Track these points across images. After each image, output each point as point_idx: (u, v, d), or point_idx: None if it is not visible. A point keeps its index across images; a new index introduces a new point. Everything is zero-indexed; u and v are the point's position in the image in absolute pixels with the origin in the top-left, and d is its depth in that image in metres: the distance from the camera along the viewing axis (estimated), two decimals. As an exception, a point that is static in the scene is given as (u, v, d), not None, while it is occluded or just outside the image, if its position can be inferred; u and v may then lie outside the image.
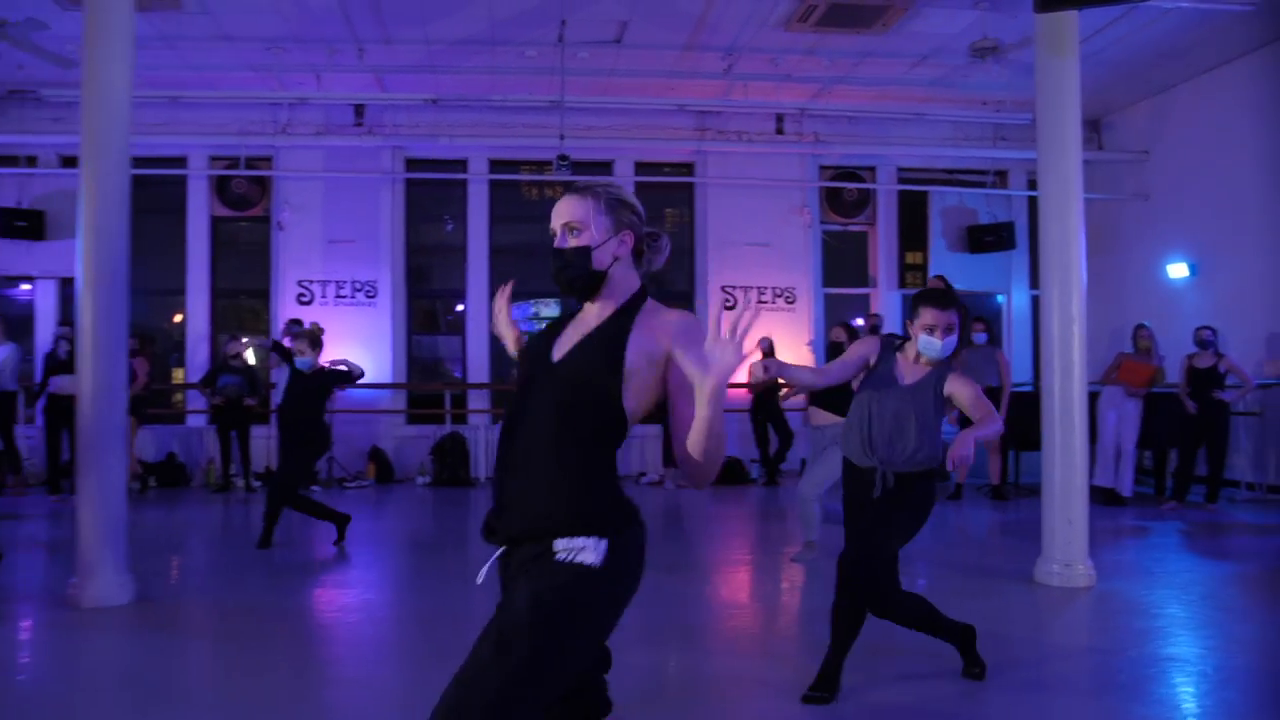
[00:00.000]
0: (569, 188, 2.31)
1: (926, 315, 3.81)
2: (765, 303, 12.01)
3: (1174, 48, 9.94)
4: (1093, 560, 5.78)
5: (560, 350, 2.21)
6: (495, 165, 11.89)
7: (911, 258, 12.55)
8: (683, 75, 10.76)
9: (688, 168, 12.18)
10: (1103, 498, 9.23)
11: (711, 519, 9.09)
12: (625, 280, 2.26)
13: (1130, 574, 6.21)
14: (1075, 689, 3.96)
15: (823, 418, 6.24)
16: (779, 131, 12.01)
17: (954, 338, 3.81)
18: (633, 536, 2.10)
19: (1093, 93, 10.94)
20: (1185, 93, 11.07)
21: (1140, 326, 9.75)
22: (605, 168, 11.83)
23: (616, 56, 10.27)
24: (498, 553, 2.14)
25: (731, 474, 11.29)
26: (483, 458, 11.28)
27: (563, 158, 10.04)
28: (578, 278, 2.23)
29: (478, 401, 11.86)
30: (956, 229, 12.28)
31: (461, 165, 11.78)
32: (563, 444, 2.08)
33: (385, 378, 11.38)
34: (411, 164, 11.71)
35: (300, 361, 7.08)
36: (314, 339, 7.20)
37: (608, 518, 2.07)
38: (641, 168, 12.06)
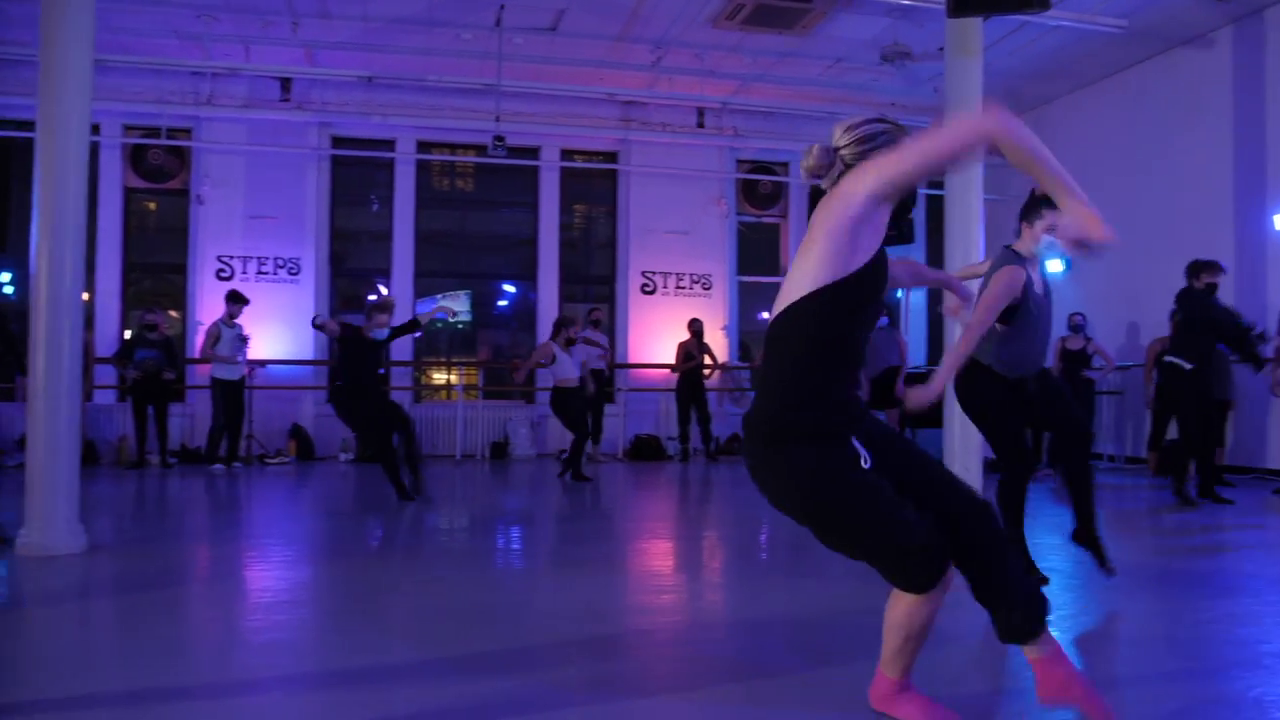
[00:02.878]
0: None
1: (1050, 216, 4.07)
2: (684, 289, 12.44)
3: (1055, 64, 10.99)
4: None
5: None
6: (423, 146, 11.96)
7: (820, 249, 13.14)
8: (612, 65, 11.08)
9: (612, 156, 12.50)
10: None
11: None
12: None
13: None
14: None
15: None
16: (700, 124, 12.47)
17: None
18: None
19: (986, 101, 11.79)
20: (1063, 106, 12.10)
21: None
22: (532, 153, 12.06)
23: (551, 44, 10.52)
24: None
25: (650, 451, 11.72)
26: (406, 435, 11.36)
27: (499, 139, 10.24)
28: None
29: (401, 379, 11.93)
30: (861, 224, 12.93)
31: (389, 145, 11.81)
32: None
33: (307, 355, 11.34)
34: (338, 142, 11.71)
35: (379, 332, 7.48)
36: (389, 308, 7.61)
37: None
38: (567, 154, 12.34)
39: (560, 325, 9.25)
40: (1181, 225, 10.20)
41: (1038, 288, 4.23)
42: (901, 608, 2.38)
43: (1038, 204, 4.16)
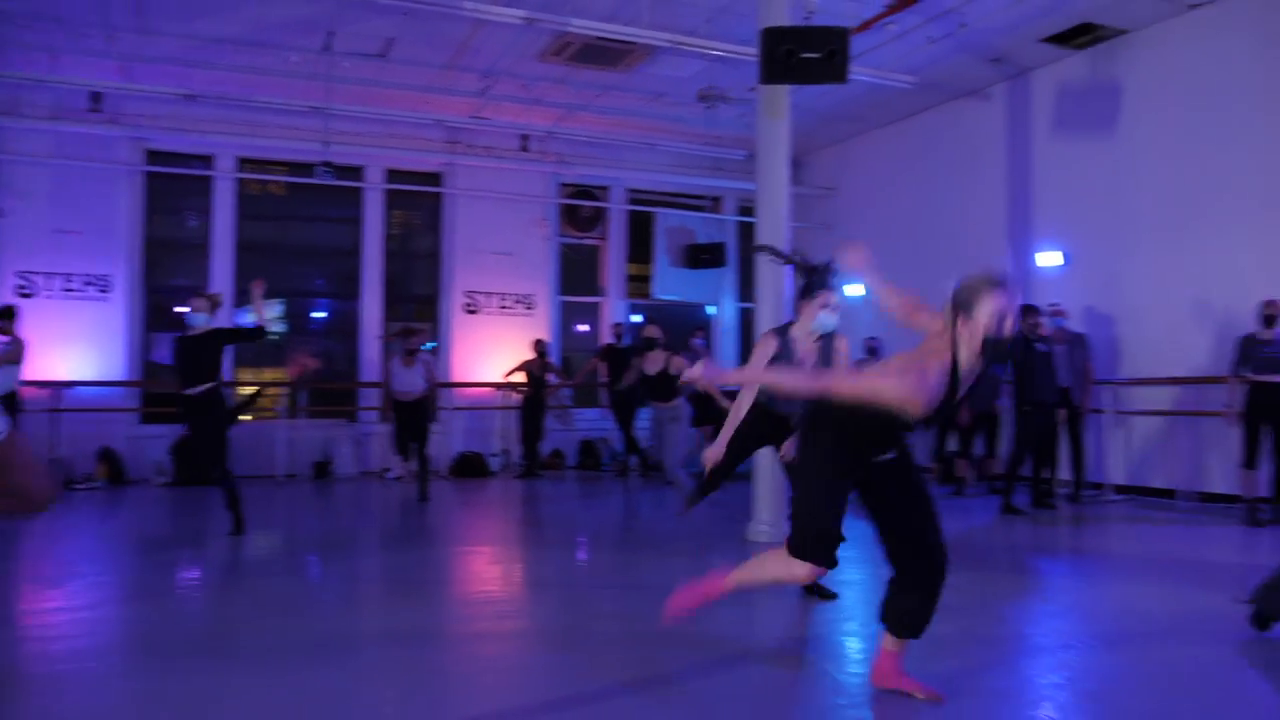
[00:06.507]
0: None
1: (825, 296, 4.70)
2: (507, 308, 12.79)
3: (855, 108, 12.03)
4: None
5: None
6: (244, 164, 11.79)
7: (637, 270, 13.85)
8: (439, 91, 11.27)
9: (436, 178, 12.69)
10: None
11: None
12: None
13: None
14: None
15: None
16: (524, 149, 12.86)
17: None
18: None
19: (795, 136, 12.78)
20: (863, 143, 13.25)
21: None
22: (356, 173, 12.10)
23: (379, 68, 10.63)
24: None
25: (473, 468, 12.00)
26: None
27: (327, 164, 10.29)
28: None
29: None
30: (677, 247, 13.71)
31: (207, 161, 11.58)
32: None
33: (118, 375, 11.00)
34: (154, 157, 11.36)
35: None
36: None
37: None
38: (393, 175, 12.46)
39: (403, 336, 9.30)
40: (963, 257, 11.34)
41: (799, 345, 4.93)
42: (777, 560, 3.25)
43: (812, 286, 4.87)
